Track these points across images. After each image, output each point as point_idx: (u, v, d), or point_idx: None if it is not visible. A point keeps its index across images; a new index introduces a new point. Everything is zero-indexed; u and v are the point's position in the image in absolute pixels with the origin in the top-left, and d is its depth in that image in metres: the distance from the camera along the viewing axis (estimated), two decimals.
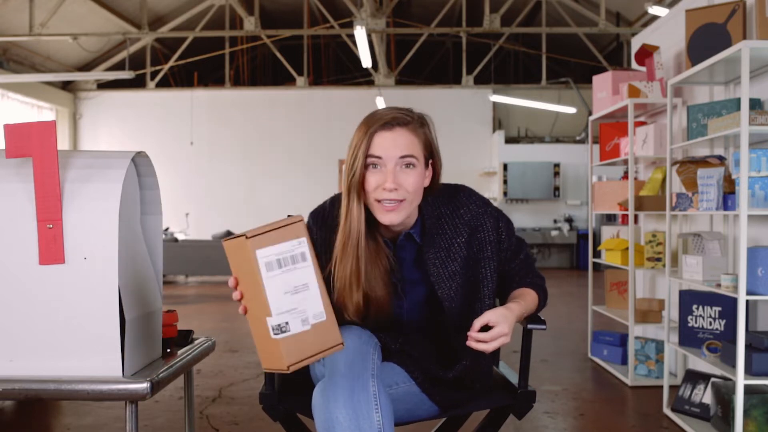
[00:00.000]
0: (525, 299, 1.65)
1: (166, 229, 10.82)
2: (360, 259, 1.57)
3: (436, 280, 1.63)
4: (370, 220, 1.61)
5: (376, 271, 1.60)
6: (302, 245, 1.35)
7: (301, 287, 1.34)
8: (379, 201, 1.56)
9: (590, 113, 10.07)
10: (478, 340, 1.49)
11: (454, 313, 1.64)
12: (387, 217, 1.56)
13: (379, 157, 1.55)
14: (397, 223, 1.59)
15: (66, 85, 13.17)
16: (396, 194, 1.55)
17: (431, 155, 1.64)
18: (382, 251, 1.63)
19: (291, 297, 1.32)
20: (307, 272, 1.35)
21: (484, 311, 1.57)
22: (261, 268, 1.29)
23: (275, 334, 1.30)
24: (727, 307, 2.92)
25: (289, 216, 1.38)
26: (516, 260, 1.73)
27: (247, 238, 1.28)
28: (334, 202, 1.69)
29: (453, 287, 1.63)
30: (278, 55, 12.78)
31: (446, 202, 1.69)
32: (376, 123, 1.57)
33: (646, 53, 3.87)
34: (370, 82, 12.77)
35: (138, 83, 13.04)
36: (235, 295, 1.37)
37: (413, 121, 1.60)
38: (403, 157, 1.56)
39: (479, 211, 1.68)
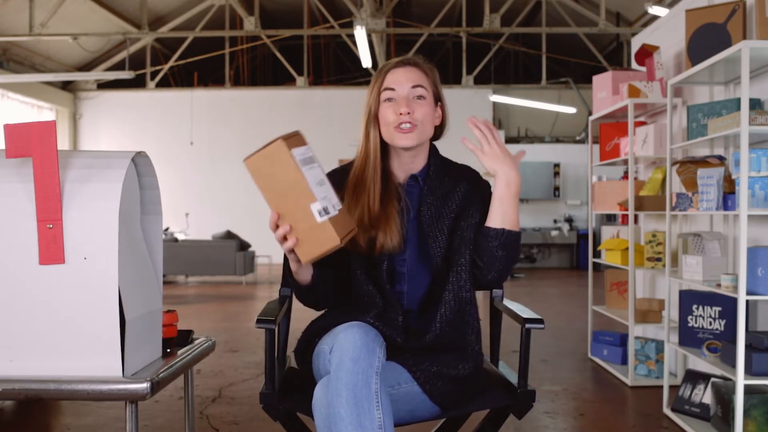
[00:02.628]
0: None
1: (166, 229, 10.82)
2: (376, 183, 1.71)
3: (427, 222, 1.72)
4: (384, 163, 1.76)
5: (390, 209, 1.71)
6: (310, 150, 1.57)
7: (321, 181, 1.55)
8: (396, 126, 1.70)
9: (590, 113, 10.07)
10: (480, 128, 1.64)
11: (439, 263, 1.72)
12: (403, 140, 1.70)
13: (392, 89, 1.72)
14: (412, 145, 1.71)
15: (66, 85, 13.17)
16: (410, 117, 1.69)
17: (438, 97, 1.79)
18: (395, 191, 1.74)
19: (320, 188, 1.53)
20: (320, 170, 1.57)
21: (462, 266, 1.70)
22: (299, 163, 1.48)
23: (321, 216, 1.49)
24: (727, 307, 2.92)
25: (285, 134, 1.54)
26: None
27: (282, 140, 1.46)
28: (349, 164, 1.83)
29: (439, 229, 1.72)
30: (278, 55, 12.78)
31: (453, 166, 1.83)
32: (389, 64, 1.78)
33: (646, 53, 3.87)
34: (370, 82, 12.76)
35: (138, 83, 13.04)
36: (280, 231, 1.52)
37: (423, 64, 1.77)
38: (414, 86, 1.72)
39: (475, 180, 1.80)
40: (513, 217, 1.68)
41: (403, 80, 1.72)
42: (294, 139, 1.52)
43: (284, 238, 1.53)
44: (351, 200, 1.73)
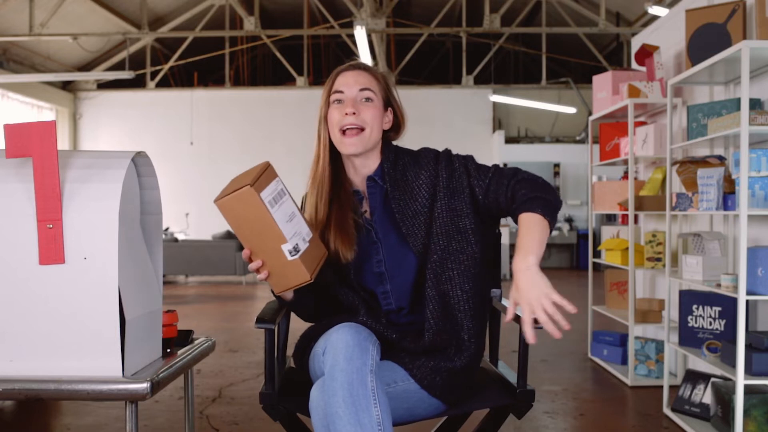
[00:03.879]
0: (530, 233, 1.57)
1: (166, 229, 10.82)
2: (324, 183, 1.74)
3: (400, 219, 1.72)
4: (336, 173, 1.77)
5: (344, 218, 1.72)
6: (280, 183, 1.59)
7: (291, 215, 1.58)
8: (342, 132, 1.71)
9: (590, 113, 10.07)
10: (535, 328, 1.47)
11: (420, 254, 1.70)
12: (349, 147, 1.71)
13: (341, 92, 1.73)
14: (358, 152, 1.72)
15: (66, 85, 13.17)
16: (355, 119, 1.70)
17: (389, 101, 1.80)
18: (349, 200, 1.76)
19: (290, 224, 1.56)
20: (290, 203, 1.60)
21: (467, 250, 1.68)
22: (268, 206, 1.52)
23: (292, 255, 1.55)
24: (727, 307, 2.92)
25: (257, 165, 1.59)
26: (489, 174, 1.71)
27: (251, 186, 1.48)
28: None
29: (416, 225, 1.71)
30: (278, 55, 12.78)
31: (410, 154, 1.82)
32: (340, 68, 1.79)
33: (646, 53, 3.87)
34: None
35: (138, 83, 13.04)
36: (252, 266, 1.57)
37: (373, 69, 1.80)
38: (362, 89, 1.73)
39: (434, 156, 1.78)
40: (538, 243, 1.56)
41: (352, 83, 1.73)
42: (264, 177, 1.54)
43: (258, 271, 1.58)
44: (307, 203, 1.77)
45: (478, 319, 1.71)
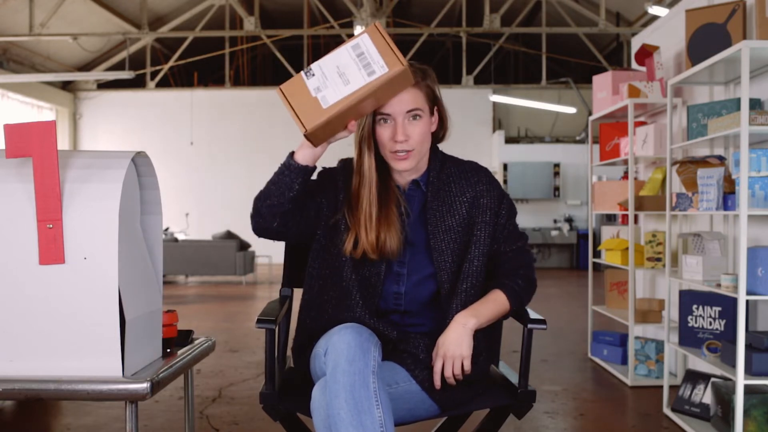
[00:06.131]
0: (489, 304, 1.69)
1: (166, 229, 10.82)
2: (372, 203, 1.69)
3: (432, 231, 1.72)
4: (382, 168, 1.73)
5: (389, 213, 1.70)
6: (383, 69, 1.53)
7: (345, 80, 1.53)
8: (393, 152, 1.68)
9: (590, 113, 10.07)
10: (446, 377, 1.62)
11: (443, 271, 1.71)
12: (401, 165, 1.69)
13: (388, 114, 1.67)
14: (410, 168, 1.71)
15: (66, 85, 13.17)
16: (407, 145, 1.67)
17: (435, 103, 1.75)
18: (394, 195, 1.73)
19: (333, 74, 1.53)
20: (360, 79, 1.53)
21: (471, 273, 1.70)
22: (352, 40, 1.53)
23: (301, 71, 1.55)
24: (727, 307, 2.91)
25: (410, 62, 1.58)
26: (512, 247, 1.77)
27: (376, 26, 1.53)
28: (349, 161, 1.82)
29: (446, 241, 1.72)
30: (278, 55, 12.77)
31: (457, 164, 1.81)
32: None
33: (646, 53, 3.87)
34: None
35: (138, 83, 13.04)
36: None
37: (415, 76, 1.69)
38: (409, 111, 1.68)
39: (487, 180, 1.78)
40: (487, 318, 1.69)
41: (397, 103, 1.66)
42: (386, 46, 1.53)
43: None
44: (350, 217, 1.71)
45: (485, 329, 1.72)
